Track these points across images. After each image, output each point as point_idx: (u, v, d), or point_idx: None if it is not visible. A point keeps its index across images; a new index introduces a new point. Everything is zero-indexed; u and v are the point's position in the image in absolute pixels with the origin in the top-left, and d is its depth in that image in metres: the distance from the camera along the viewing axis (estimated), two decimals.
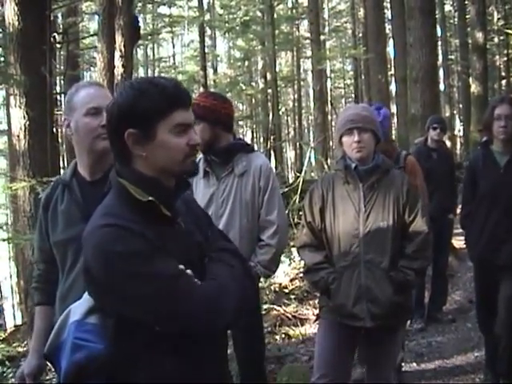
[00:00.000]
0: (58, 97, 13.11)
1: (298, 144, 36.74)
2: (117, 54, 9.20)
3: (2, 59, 13.28)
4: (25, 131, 8.24)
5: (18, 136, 8.31)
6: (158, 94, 2.21)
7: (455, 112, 38.52)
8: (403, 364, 6.10)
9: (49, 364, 6.06)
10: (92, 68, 28.78)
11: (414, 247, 3.89)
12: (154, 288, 2.11)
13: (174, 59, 47.32)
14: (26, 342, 8.81)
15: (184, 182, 2.38)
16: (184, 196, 2.45)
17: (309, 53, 33.82)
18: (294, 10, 34.97)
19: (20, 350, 8.70)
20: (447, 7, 36.45)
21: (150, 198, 2.22)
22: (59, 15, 17.54)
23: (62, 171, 11.16)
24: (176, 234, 2.32)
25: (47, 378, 6.00)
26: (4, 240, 11.02)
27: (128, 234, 2.15)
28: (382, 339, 4.01)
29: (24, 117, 8.23)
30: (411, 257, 3.89)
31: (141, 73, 42.75)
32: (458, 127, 35.22)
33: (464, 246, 5.82)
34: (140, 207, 2.23)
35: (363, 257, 3.87)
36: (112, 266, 2.11)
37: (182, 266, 2.20)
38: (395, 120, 21.28)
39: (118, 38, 9.27)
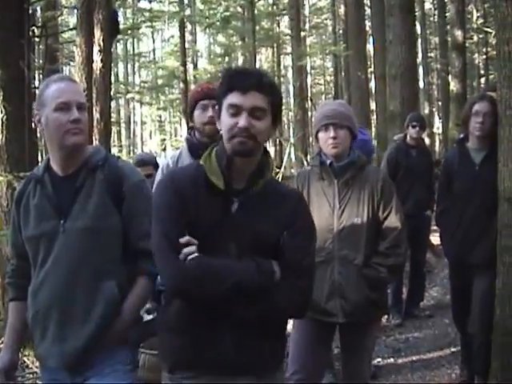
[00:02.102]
0: (37, 91, 13.01)
1: (277, 140, 36.76)
2: (95, 49, 9.16)
3: None
4: (2, 126, 8.15)
5: None
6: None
7: (434, 109, 38.71)
8: (380, 359, 6.14)
9: (23, 360, 6.05)
10: (71, 62, 28.57)
11: (387, 244, 3.90)
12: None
13: (154, 54, 47.15)
14: (2, 339, 8.75)
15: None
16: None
17: (289, 49, 33.89)
18: (275, 6, 34.95)
19: None
20: (427, 5, 36.59)
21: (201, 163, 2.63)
22: (38, 9, 17.39)
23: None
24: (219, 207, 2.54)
25: (21, 374, 5.99)
26: None
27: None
28: (356, 336, 4.03)
29: (1, 111, 8.15)
30: (384, 254, 3.89)
31: (120, 67, 42.61)
32: (437, 124, 35.39)
33: None
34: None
35: (337, 253, 3.89)
36: None
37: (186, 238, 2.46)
38: (374, 117, 21.36)
39: (97, 33, 9.23)
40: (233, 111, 2.51)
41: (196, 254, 2.42)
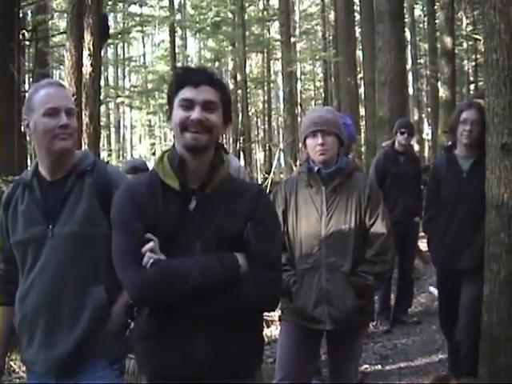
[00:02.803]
0: (26, 95, 12.98)
1: (267, 145, 36.80)
2: (85, 53, 9.15)
3: None
4: None
5: None
6: None
7: (423, 115, 38.81)
8: (367, 366, 6.15)
9: (9, 364, 6.01)
10: (61, 66, 28.50)
11: (373, 251, 3.90)
12: None
13: (144, 59, 47.14)
14: None
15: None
16: (246, 188, 2.72)
17: (279, 54, 33.88)
18: (265, 12, 35.01)
19: None
20: (417, 12, 36.73)
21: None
22: (28, 12, 17.36)
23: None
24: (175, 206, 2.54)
25: (8, 378, 5.96)
26: None
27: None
28: (343, 342, 4.04)
29: None
30: (371, 261, 3.90)
31: (110, 72, 42.54)
32: (427, 131, 35.49)
33: None
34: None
35: (325, 260, 3.89)
36: None
37: (148, 235, 2.47)
38: (363, 123, 21.41)
39: (87, 37, 9.21)
40: (185, 104, 2.53)
41: (156, 257, 2.42)
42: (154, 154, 34.96)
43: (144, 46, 48.07)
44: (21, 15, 10.42)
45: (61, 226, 2.89)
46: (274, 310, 2.87)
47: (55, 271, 2.87)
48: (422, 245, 8.94)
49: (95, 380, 2.90)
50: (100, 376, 2.91)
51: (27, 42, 12.98)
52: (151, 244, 2.45)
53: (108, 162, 3.21)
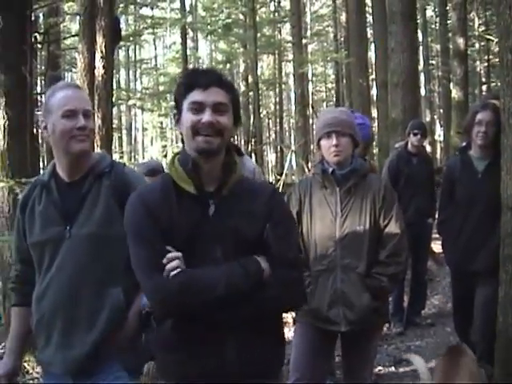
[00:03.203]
0: (39, 97, 13.03)
1: (278, 147, 36.80)
2: (97, 55, 9.18)
3: None
4: (4, 131, 8.16)
5: None
6: None
7: (436, 117, 38.73)
8: (381, 367, 6.12)
9: (23, 365, 6.04)
10: (73, 68, 28.60)
11: (387, 252, 3.88)
12: None
13: (155, 61, 47.23)
14: (3, 344, 8.73)
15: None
16: (259, 190, 2.68)
17: (291, 56, 33.86)
18: (276, 14, 35.04)
19: None
20: (429, 13, 36.65)
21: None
22: (40, 15, 17.43)
23: (41, 172, 11.09)
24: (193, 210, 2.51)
25: (22, 379, 5.97)
26: None
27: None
28: (358, 344, 4.02)
29: (3, 117, 8.16)
30: (384, 263, 3.88)
31: (122, 74, 42.67)
32: (439, 132, 35.40)
33: None
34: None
35: (339, 261, 3.88)
36: None
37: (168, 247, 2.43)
38: (376, 124, 21.37)
39: (99, 39, 9.24)
40: (195, 107, 2.50)
41: (178, 270, 2.38)
42: (165, 156, 35.01)
43: (155, 49, 48.17)
44: (33, 18, 10.43)
45: (78, 227, 2.90)
46: (296, 310, 2.86)
47: (72, 272, 2.88)
48: (436, 246, 8.91)
49: (112, 381, 2.91)
50: (116, 377, 2.91)
51: (39, 45, 13.01)
52: (177, 253, 2.42)
53: (125, 164, 3.20)
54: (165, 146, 40.67)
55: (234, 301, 2.38)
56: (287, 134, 48.55)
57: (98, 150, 8.66)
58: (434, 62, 36.55)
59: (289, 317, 8.10)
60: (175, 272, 2.38)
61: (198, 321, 2.43)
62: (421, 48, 30.19)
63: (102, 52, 9.25)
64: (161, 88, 38.33)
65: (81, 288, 2.88)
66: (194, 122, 2.48)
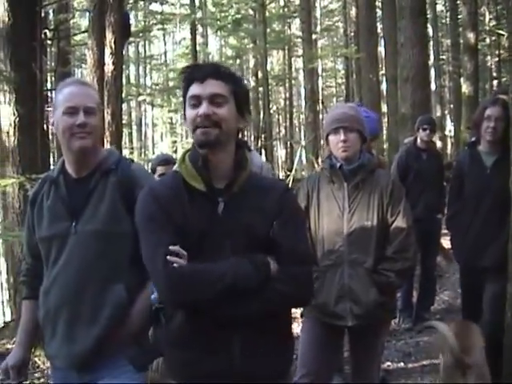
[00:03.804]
0: (49, 93, 13.08)
1: (288, 143, 36.78)
2: (107, 51, 9.20)
3: None
4: (14, 128, 8.20)
5: (8, 132, 8.27)
6: None
7: (446, 112, 38.60)
8: (389, 363, 6.13)
9: (34, 360, 6.08)
10: (83, 65, 28.68)
11: (394, 248, 3.89)
12: None
13: (165, 56, 47.24)
14: (14, 339, 8.78)
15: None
16: (269, 186, 2.66)
17: (300, 51, 33.80)
18: (286, 9, 34.97)
19: (9, 346, 8.68)
20: (439, 7, 36.52)
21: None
22: (50, 11, 17.47)
23: (52, 168, 11.13)
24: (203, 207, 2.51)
25: (32, 374, 6.02)
26: None
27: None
28: (365, 339, 4.03)
29: (14, 113, 8.19)
30: (392, 258, 3.88)
31: (132, 70, 42.72)
32: (449, 127, 35.28)
33: None
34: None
35: (347, 256, 3.89)
36: None
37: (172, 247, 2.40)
38: (385, 119, 21.34)
39: (109, 35, 9.26)
40: (194, 102, 2.50)
41: (181, 261, 2.38)
42: (175, 151, 35.06)
43: (165, 44, 48.17)
44: (42, 14, 10.46)
45: (84, 223, 2.93)
46: (306, 305, 2.85)
47: (77, 268, 2.91)
48: (445, 242, 8.90)
49: (115, 377, 2.93)
50: (120, 373, 2.93)
51: (49, 41, 13.04)
52: (179, 249, 2.41)
53: (133, 161, 3.22)
54: (175, 142, 40.70)
55: (241, 296, 2.37)
56: (297, 129, 48.49)
57: (107, 145, 8.69)
58: (444, 56, 36.41)
59: (298, 312, 8.15)
60: (178, 265, 2.37)
61: (204, 317, 2.43)
62: (431, 43, 30.12)
63: (111, 48, 9.27)
64: (170, 84, 38.30)
65: (85, 283, 2.90)
66: (193, 117, 2.48)
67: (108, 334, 2.87)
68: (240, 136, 2.79)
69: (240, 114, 2.58)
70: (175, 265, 2.37)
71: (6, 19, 8.30)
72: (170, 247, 2.39)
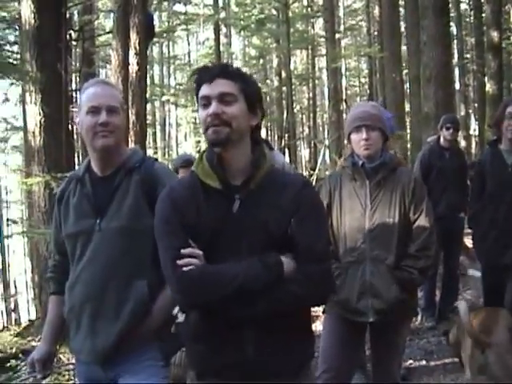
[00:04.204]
0: (74, 94, 13.20)
1: (312, 142, 36.73)
2: (131, 52, 9.29)
3: (18, 56, 13.41)
4: (40, 127, 8.33)
5: (34, 132, 8.40)
6: None
7: (470, 111, 38.33)
8: (411, 361, 6.14)
9: (59, 357, 6.17)
10: (107, 65, 28.85)
11: (417, 246, 3.91)
12: None
13: (189, 57, 47.37)
14: (39, 337, 8.89)
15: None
16: (289, 182, 2.64)
17: (324, 51, 33.77)
18: (309, 9, 34.93)
19: (34, 344, 8.79)
20: (463, 6, 36.26)
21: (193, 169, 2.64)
22: (75, 12, 17.62)
23: (76, 167, 11.26)
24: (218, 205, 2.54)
25: (57, 370, 6.11)
26: (19, 234, 11.15)
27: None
28: (386, 335, 4.05)
29: (40, 113, 8.32)
30: (415, 256, 3.90)
31: (156, 70, 42.86)
32: (473, 126, 35.02)
33: None
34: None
35: (369, 253, 3.92)
36: None
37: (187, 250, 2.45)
38: (409, 119, 21.26)
39: (133, 36, 9.36)
40: (204, 102, 2.53)
41: (195, 262, 2.42)
42: (199, 151, 35.13)
43: (189, 44, 48.27)
44: (67, 15, 10.57)
45: (108, 220, 2.99)
46: (323, 304, 2.84)
47: (101, 264, 2.98)
48: (468, 241, 8.87)
49: (138, 371, 2.99)
50: (142, 368, 2.99)
51: (74, 42, 13.16)
52: (192, 250, 2.46)
53: (156, 160, 3.29)
54: (198, 142, 40.73)
55: (251, 296, 2.39)
56: (321, 129, 48.38)
57: (132, 145, 8.78)
58: (468, 55, 36.16)
59: (320, 311, 8.16)
60: (188, 268, 2.41)
61: (216, 316, 2.47)
62: (455, 41, 29.90)
63: (135, 49, 9.37)
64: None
65: (109, 280, 2.97)
66: (204, 116, 2.52)
67: (130, 330, 2.93)
68: (260, 134, 2.82)
69: (251, 112, 2.59)
70: (185, 268, 2.41)
71: (33, 21, 8.43)
72: (183, 250, 2.44)
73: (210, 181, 2.54)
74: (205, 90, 2.53)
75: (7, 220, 29.94)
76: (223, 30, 37.00)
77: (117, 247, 2.96)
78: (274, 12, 31.33)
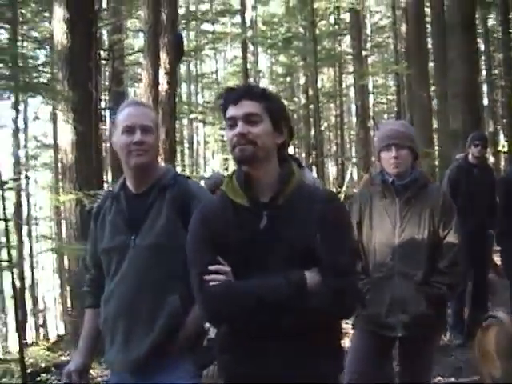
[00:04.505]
0: (103, 112, 13.37)
1: (339, 159, 36.69)
2: (161, 71, 9.42)
3: (48, 75, 13.61)
4: (72, 145, 8.46)
5: (66, 150, 8.54)
6: None
7: (499, 127, 38.04)
8: (440, 378, 6.12)
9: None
10: (135, 84, 29.13)
11: (446, 263, 3.95)
12: None
13: (216, 75, 47.63)
14: (68, 352, 8.99)
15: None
16: (316, 198, 2.69)
17: (351, 68, 33.81)
18: (336, 26, 35.00)
19: (63, 358, 8.89)
20: (490, 21, 36.12)
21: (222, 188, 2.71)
22: (104, 32, 17.85)
23: (105, 185, 11.39)
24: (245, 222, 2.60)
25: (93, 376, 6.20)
26: (50, 250, 11.30)
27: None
28: (414, 351, 4.08)
29: (71, 131, 8.46)
30: (443, 272, 3.95)
31: (183, 88, 43.14)
32: (502, 142, 34.74)
33: None
34: None
35: (398, 269, 3.97)
36: None
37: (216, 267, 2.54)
38: (437, 136, 21.19)
39: (163, 56, 9.49)
40: (230, 123, 2.62)
41: (222, 278, 2.50)
42: (226, 169, 35.27)
43: (216, 63, 48.55)
44: (97, 35, 10.75)
45: (142, 236, 3.08)
46: (349, 317, 2.88)
47: (135, 279, 3.06)
48: (498, 259, 8.83)
49: (172, 382, 3.04)
50: (174, 379, 3.05)
51: (104, 61, 13.35)
52: (220, 267, 2.53)
53: (189, 177, 3.39)
54: (226, 159, 40.91)
55: (274, 310, 2.45)
56: (348, 146, 48.31)
57: (162, 163, 8.89)
58: (496, 71, 35.97)
59: (349, 328, 8.15)
60: (214, 283, 2.50)
61: (242, 329, 2.55)
62: (483, 57, 29.78)
63: (165, 68, 9.51)
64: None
65: (141, 294, 3.05)
66: (231, 137, 2.60)
67: (162, 343, 3.01)
68: (287, 151, 2.87)
69: (276, 130, 2.67)
70: (211, 283, 2.50)
71: (65, 41, 8.60)
72: (210, 267, 2.52)
73: (238, 198, 2.62)
74: (231, 111, 2.62)
75: (36, 237, 30.27)
76: (250, 48, 37.20)
77: (150, 263, 3.05)
78: (301, 30, 31.44)
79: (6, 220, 7.13)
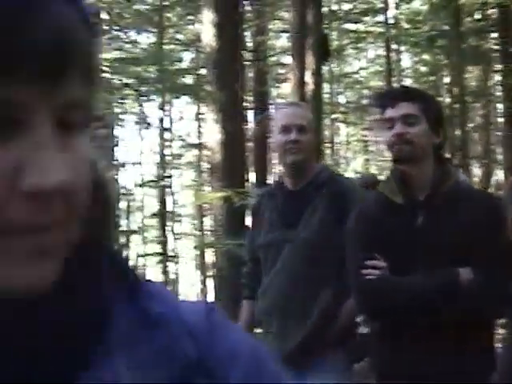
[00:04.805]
0: (247, 112, 13.64)
1: (485, 161, 35.63)
2: (307, 72, 9.52)
3: (196, 77, 14.03)
4: (220, 145, 8.70)
5: (214, 149, 8.79)
6: None
7: None
8: None
9: None
10: (276, 84, 29.43)
11: None
12: None
13: (358, 74, 47.36)
14: None
15: None
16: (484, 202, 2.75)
17: (498, 66, 32.72)
18: (483, 23, 33.95)
19: None
20: None
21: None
22: (248, 34, 18.15)
23: (248, 183, 11.62)
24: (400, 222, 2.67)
25: None
26: (208, 245, 11.57)
27: None
28: None
29: (220, 131, 8.70)
30: None
31: (326, 88, 43.23)
32: None
33: None
34: None
35: None
36: None
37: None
38: None
39: (308, 56, 9.58)
40: (389, 125, 2.71)
41: (377, 272, 2.57)
42: (367, 170, 34.99)
43: (359, 61, 48.28)
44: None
45: (297, 233, 3.19)
46: (500, 318, 2.87)
47: (289, 274, 3.17)
48: None
49: (320, 376, 3.10)
50: (324, 372, 3.12)
51: (248, 62, 13.61)
52: (376, 262, 2.61)
53: (343, 175, 3.48)
54: (367, 160, 40.59)
55: (428, 308, 2.51)
56: (494, 147, 46.81)
57: None
58: None
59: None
60: (370, 277, 2.57)
61: (393, 326, 2.61)
62: None
63: (312, 68, 9.59)
64: (364, 102, 38.27)
65: (296, 288, 3.16)
66: (389, 137, 2.71)
67: (315, 336, 3.08)
68: (444, 152, 2.89)
69: (433, 131, 2.75)
70: (368, 277, 2.57)
71: (214, 44, 8.86)
72: (367, 261, 2.60)
73: (394, 197, 2.69)
74: (389, 112, 2.72)
75: (175, 233, 31.14)
76: (393, 46, 36.71)
77: (305, 258, 3.14)
78: (446, 27, 30.72)
79: (163, 215, 7.41)
